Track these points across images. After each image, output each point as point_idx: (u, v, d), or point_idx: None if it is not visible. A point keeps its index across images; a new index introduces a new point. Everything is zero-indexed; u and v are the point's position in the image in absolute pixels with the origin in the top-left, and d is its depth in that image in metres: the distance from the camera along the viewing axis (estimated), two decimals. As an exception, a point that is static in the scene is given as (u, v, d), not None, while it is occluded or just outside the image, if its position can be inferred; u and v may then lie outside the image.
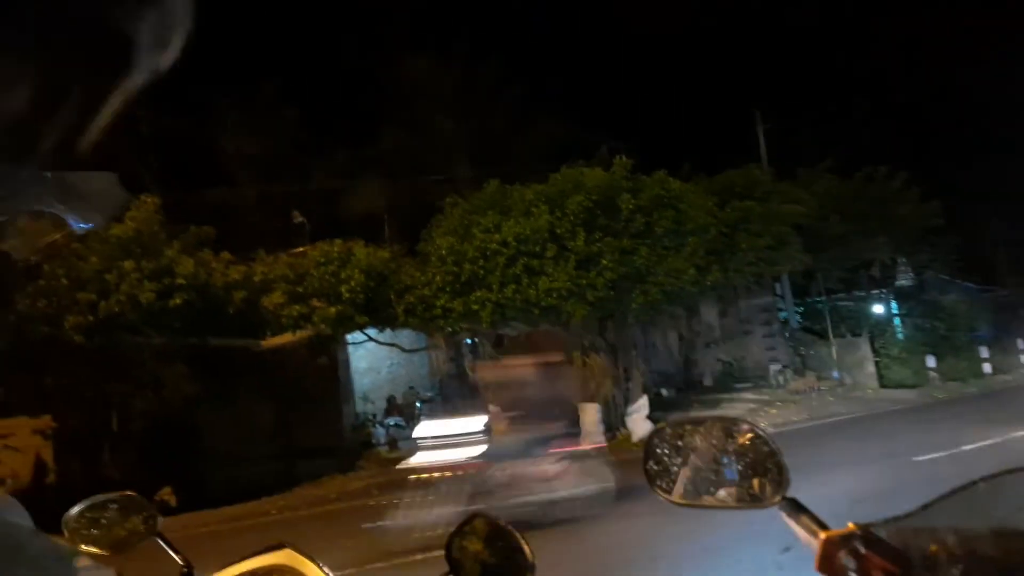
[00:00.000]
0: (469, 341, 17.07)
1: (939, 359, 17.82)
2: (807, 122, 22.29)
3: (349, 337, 14.98)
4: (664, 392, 17.48)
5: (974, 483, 0.99)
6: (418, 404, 16.82)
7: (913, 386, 16.90)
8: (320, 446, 12.75)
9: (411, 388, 17.77)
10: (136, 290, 10.93)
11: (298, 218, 17.63)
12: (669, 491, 1.07)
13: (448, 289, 13.05)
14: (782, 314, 20.74)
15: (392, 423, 15.84)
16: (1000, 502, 1.00)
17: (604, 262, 12.70)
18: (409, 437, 15.44)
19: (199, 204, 15.07)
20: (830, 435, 11.55)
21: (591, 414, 12.83)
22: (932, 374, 17.46)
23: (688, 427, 1.08)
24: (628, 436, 13.25)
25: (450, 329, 13.95)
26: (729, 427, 1.05)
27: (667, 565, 5.44)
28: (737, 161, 17.03)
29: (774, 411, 14.85)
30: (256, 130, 18.18)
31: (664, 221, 13.09)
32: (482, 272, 12.85)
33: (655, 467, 1.08)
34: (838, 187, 19.33)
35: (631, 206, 12.89)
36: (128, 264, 11.07)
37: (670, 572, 5.28)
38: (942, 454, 7.94)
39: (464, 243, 13.13)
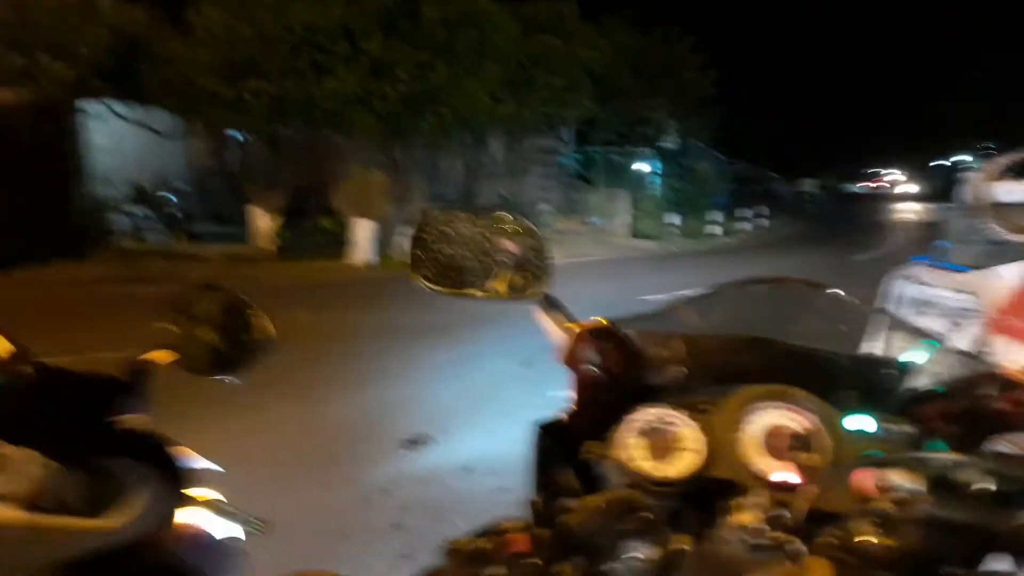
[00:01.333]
0: (238, 135, 15.47)
1: (682, 217, 20.17)
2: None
3: (89, 109, 12.70)
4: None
5: (714, 290, 1.05)
6: (172, 197, 15.17)
7: (657, 238, 19.09)
8: (44, 228, 10.98)
9: (165, 178, 15.88)
10: None
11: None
12: (432, 279, 1.01)
13: (216, 71, 11.41)
14: (561, 158, 21.69)
15: (141, 214, 14.18)
16: (734, 307, 1.08)
17: (399, 72, 11.92)
18: (156, 229, 14.06)
19: None
20: (581, 272, 12.71)
21: (364, 230, 12.63)
22: (674, 230, 19.78)
23: (459, 214, 1.01)
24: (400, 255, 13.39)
25: (215, 118, 12.41)
26: (500, 218, 1.00)
27: (420, 371, 5.70)
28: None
29: (539, 246, 15.88)
30: None
31: (467, 40, 12.48)
32: (259, 57, 11.37)
33: (420, 254, 1.01)
34: (634, 40, 19.89)
35: (435, 15, 12.02)
36: None
37: (423, 377, 5.54)
38: (665, 296, 9.18)
39: (240, 20, 11.38)
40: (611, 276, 12.40)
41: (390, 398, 5.04)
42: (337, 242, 13.24)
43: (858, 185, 66.45)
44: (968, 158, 47.55)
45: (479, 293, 0.99)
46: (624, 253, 16.43)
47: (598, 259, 15.11)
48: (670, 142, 23.21)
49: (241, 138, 15.67)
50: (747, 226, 22.45)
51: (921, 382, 0.94)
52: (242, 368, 1.03)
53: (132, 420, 0.90)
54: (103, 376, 0.91)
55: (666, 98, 20.77)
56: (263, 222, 13.93)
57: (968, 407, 0.83)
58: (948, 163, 54.23)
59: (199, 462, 0.93)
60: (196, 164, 16.82)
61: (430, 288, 1.00)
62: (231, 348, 1.02)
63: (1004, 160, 2.70)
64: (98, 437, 0.87)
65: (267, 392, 4.92)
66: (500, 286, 0.99)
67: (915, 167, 58.97)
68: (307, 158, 14.30)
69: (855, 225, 25.25)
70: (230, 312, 1.03)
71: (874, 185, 66.59)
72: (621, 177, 21.46)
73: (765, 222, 24.11)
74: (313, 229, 13.92)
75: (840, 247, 17.50)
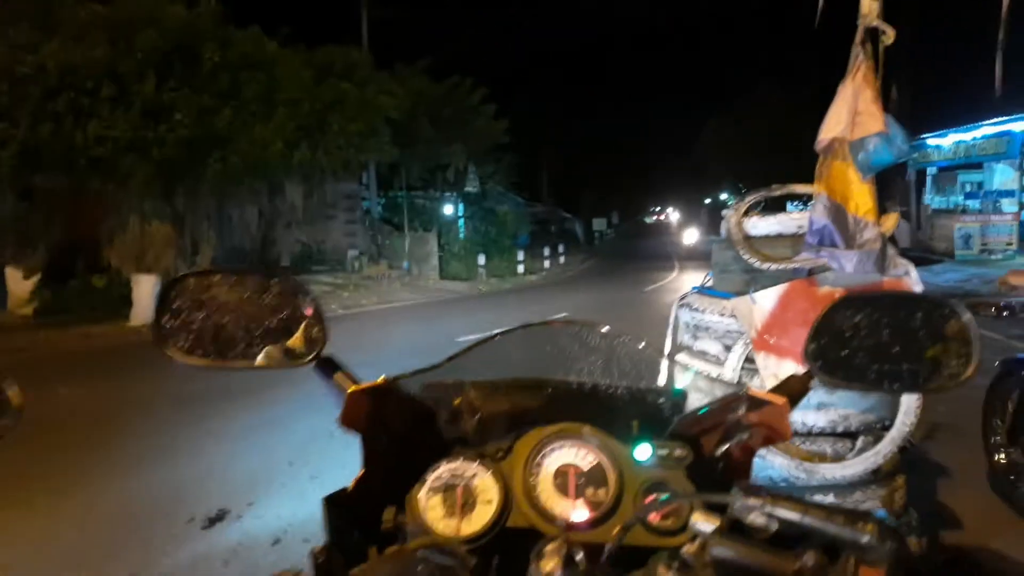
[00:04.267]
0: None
1: (488, 258, 20.81)
2: (411, 17, 22.80)
3: None
4: (236, 270, 16.54)
5: (493, 336, 1.07)
6: None
7: (466, 279, 19.49)
8: None
9: None
10: None
11: None
12: (187, 350, 0.90)
13: (-51, 113, 9.82)
14: (365, 203, 21.46)
15: None
16: (515, 352, 1.11)
17: (178, 116, 11.08)
18: None
19: None
20: (393, 317, 12.55)
21: (146, 287, 11.42)
22: (481, 270, 20.33)
23: (216, 278, 0.92)
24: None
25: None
26: (265, 280, 0.92)
27: (216, 442, 5.19)
28: (339, 38, 16.54)
29: (347, 294, 15.46)
30: None
31: (255, 84, 11.99)
32: (5, 99, 9.97)
33: (170, 322, 0.90)
34: (429, 88, 20.46)
35: (216, 59, 11.39)
36: None
37: (221, 448, 5.04)
38: (477, 335, 9.35)
39: (-22, 56, 9.94)
40: (424, 319, 12.38)
41: (183, 476, 4.51)
42: (112, 303, 11.82)
43: (648, 218, 77.18)
44: (726, 196, 54.88)
45: (240, 364, 0.91)
46: (435, 296, 16.53)
47: (410, 303, 15.04)
48: (471, 186, 24.00)
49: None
50: (547, 264, 23.72)
51: (689, 406, 1.02)
52: None
53: None
54: None
55: (463, 144, 21.52)
56: (18, 285, 12.06)
57: (724, 424, 0.90)
58: (709, 200, 62.15)
59: None
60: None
61: (184, 362, 0.90)
62: None
63: (750, 198, 3.11)
64: None
65: (28, 484, 4.18)
66: (271, 353, 0.91)
67: (690, 204, 66.71)
68: (71, 211, 12.66)
69: (642, 259, 27.78)
70: None
71: (659, 218, 77.93)
72: (427, 221, 21.71)
73: (562, 259, 25.67)
74: (82, 290, 12.30)
75: (631, 280, 19.11)
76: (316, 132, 13.95)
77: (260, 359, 0.91)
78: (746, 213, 2.99)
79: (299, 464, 4.63)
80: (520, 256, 21.85)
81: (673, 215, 75.30)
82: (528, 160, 28.11)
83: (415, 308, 14.31)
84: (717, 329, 2.92)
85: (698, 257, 25.11)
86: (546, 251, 23.98)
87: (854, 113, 2.61)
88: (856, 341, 0.86)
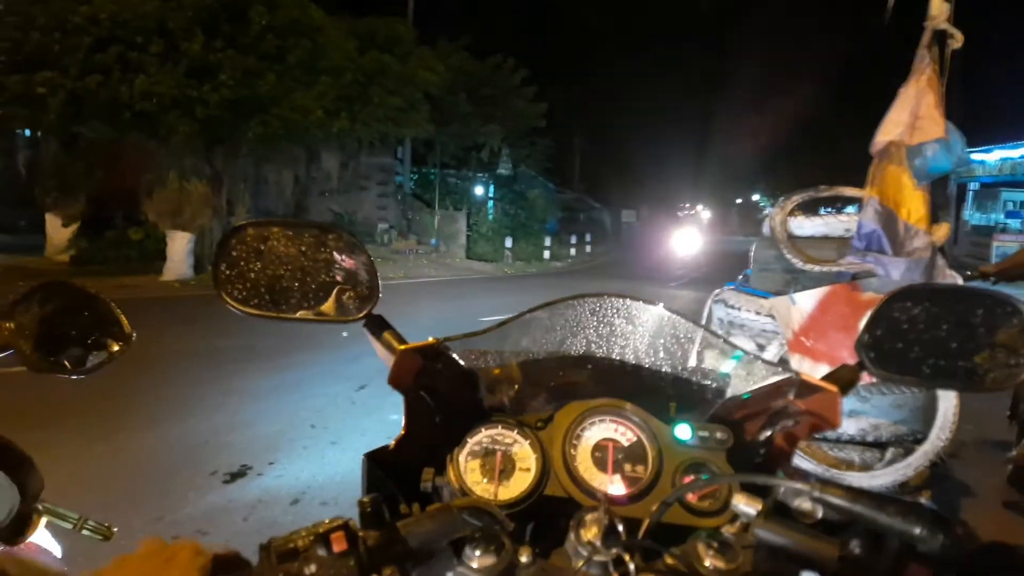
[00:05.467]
0: (28, 132, 13.61)
1: (515, 241, 20.80)
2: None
3: None
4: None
5: (544, 305, 1.07)
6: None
7: (491, 260, 19.51)
8: None
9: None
10: None
11: None
12: (242, 299, 0.89)
13: (4, 59, 9.98)
14: (398, 178, 21.53)
15: None
16: (562, 323, 1.11)
17: (223, 77, 11.16)
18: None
19: None
20: (420, 292, 12.62)
21: (180, 243, 11.60)
22: (507, 252, 20.33)
23: (275, 229, 0.91)
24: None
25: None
26: (323, 234, 0.92)
27: (243, 400, 5.29)
28: (385, 9, 16.50)
29: (373, 266, 15.57)
30: None
31: (299, 50, 12.02)
32: (56, 48, 10.11)
33: (227, 271, 0.90)
34: (470, 66, 20.36)
35: (264, 22, 11.44)
36: None
37: (245, 406, 5.13)
38: (501, 317, 9.37)
39: (36, 4, 10.07)
40: (449, 297, 12.43)
41: (207, 429, 4.60)
42: (147, 256, 12.04)
43: (679, 212, 77.14)
44: (758, 197, 54.09)
45: (297, 315, 0.91)
46: (460, 274, 16.58)
47: (436, 279, 15.11)
48: (504, 168, 23.93)
49: (29, 134, 13.83)
50: (573, 251, 23.64)
51: (731, 390, 1.01)
52: (89, 365, 0.96)
53: None
54: None
55: (499, 125, 21.43)
56: (56, 232, 12.33)
57: (770, 410, 0.89)
58: (740, 200, 61.27)
59: None
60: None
61: (239, 310, 0.89)
62: (76, 345, 0.95)
63: (796, 197, 3.05)
64: None
65: (64, 426, 4.30)
66: (324, 307, 0.91)
67: (721, 203, 66.06)
68: (112, 162, 12.88)
69: (668, 252, 27.53)
70: (78, 309, 0.96)
71: (689, 212, 78.12)
72: (457, 200, 21.72)
73: (588, 248, 25.55)
74: (119, 241, 12.54)
75: (657, 273, 18.95)
76: (356, 103, 13.97)
77: (313, 313, 0.91)
78: (792, 212, 2.94)
79: (320, 428, 4.69)
80: (547, 241, 21.80)
81: (704, 213, 74.78)
82: (561, 146, 27.89)
83: (440, 285, 14.37)
84: (752, 327, 2.89)
85: (726, 257, 24.82)
86: (573, 238, 23.88)
87: (915, 117, 2.55)
88: (913, 334, 0.84)
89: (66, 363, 0.94)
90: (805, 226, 2.89)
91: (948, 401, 2.59)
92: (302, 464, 4.06)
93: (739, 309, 2.95)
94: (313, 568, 0.55)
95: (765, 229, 3.09)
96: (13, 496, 0.84)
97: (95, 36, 10.30)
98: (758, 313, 2.85)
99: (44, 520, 0.90)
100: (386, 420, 4.76)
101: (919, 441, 2.71)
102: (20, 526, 0.85)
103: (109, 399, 4.86)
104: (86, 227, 12.48)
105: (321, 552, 0.56)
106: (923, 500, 2.62)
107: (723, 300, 3.08)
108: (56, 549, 0.92)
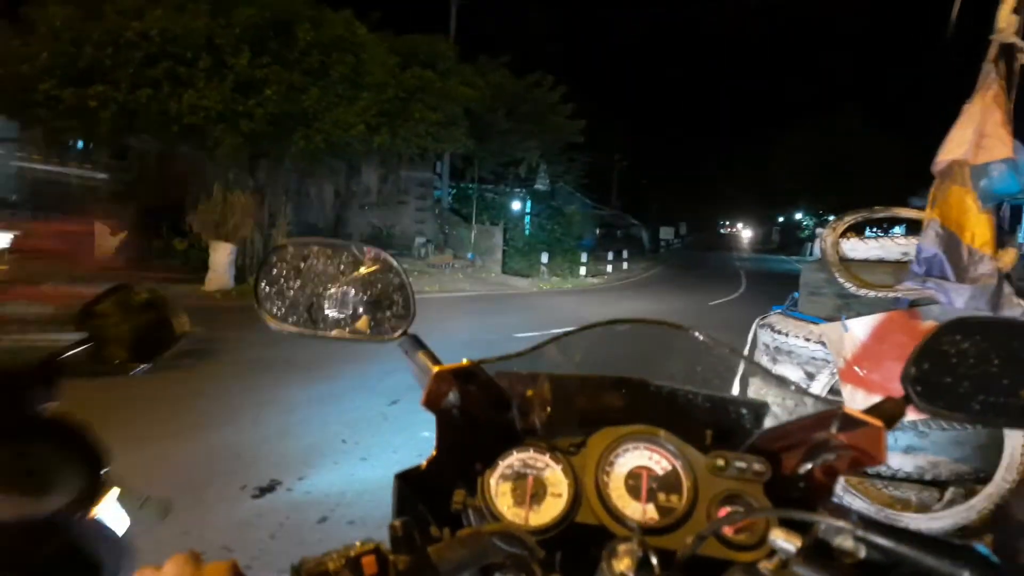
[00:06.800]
0: (81, 144, 14.08)
1: (551, 257, 20.71)
2: (499, 9, 22.90)
3: None
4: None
5: (580, 330, 1.03)
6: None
7: (527, 275, 19.45)
8: None
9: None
10: None
11: None
12: (281, 316, 0.93)
13: (59, 73, 10.35)
14: (436, 192, 21.70)
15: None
16: (598, 348, 1.07)
17: (268, 92, 11.40)
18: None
19: None
20: (456, 308, 12.61)
21: (223, 254, 11.81)
22: (543, 268, 20.25)
23: (314, 248, 0.95)
24: (261, 282, 12.61)
25: (54, 124, 11.21)
26: (359, 254, 0.95)
27: (276, 411, 5.28)
28: (425, 27, 16.72)
29: (410, 280, 15.65)
30: None
31: (342, 67, 12.22)
32: (109, 63, 10.44)
33: (267, 288, 0.94)
34: (510, 82, 20.49)
35: (309, 38, 11.66)
36: None
37: (279, 418, 5.13)
38: (536, 333, 9.32)
39: (89, 20, 10.43)
40: (484, 312, 12.39)
41: (240, 441, 4.60)
42: (191, 266, 12.29)
43: (720, 229, 77.52)
44: (800, 216, 53.03)
45: (332, 333, 0.93)
46: (495, 289, 16.54)
47: (471, 294, 15.09)
48: (541, 184, 23.93)
49: (81, 146, 14.29)
50: (610, 268, 23.44)
51: (771, 420, 0.98)
52: (154, 359, 1.05)
53: (50, 409, 0.95)
54: (19, 368, 0.94)
55: (537, 141, 21.47)
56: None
57: (810, 442, 0.86)
58: (782, 220, 60.15)
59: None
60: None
61: (278, 327, 0.92)
62: (143, 341, 1.04)
63: (849, 218, 2.90)
64: (18, 426, 0.92)
65: (101, 432, 4.34)
66: (359, 325, 0.93)
67: (759, 220, 65.09)
68: (160, 174, 13.23)
69: (708, 272, 27.11)
70: (143, 307, 1.06)
71: (729, 230, 78.01)
72: (494, 215, 21.77)
73: (625, 265, 25.31)
74: (164, 251, 12.84)
75: (695, 292, 18.65)
76: (397, 118, 14.12)
77: (348, 331, 0.93)
78: (845, 234, 2.79)
79: (351, 443, 4.65)
80: (583, 258, 21.67)
81: (744, 231, 73.88)
82: (600, 162, 27.83)
83: (475, 300, 14.35)
84: (801, 354, 2.74)
85: (765, 277, 24.32)
86: (609, 255, 23.69)
87: (980, 135, 2.40)
88: (962, 368, 0.80)
89: (134, 358, 1.04)
90: (859, 248, 2.74)
91: (1016, 439, 2.41)
92: (332, 480, 4.02)
93: (787, 335, 2.81)
94: None
95: (815, 251, 2.95)
96: (83, 470, 0.92)
97: (146, 51, 10.62)
98: (807, 340, 2.70)
99: (113, 493, 0.96)
100: (417, 437, 4.69)
101: (981, 481, 2.53)
102: (90, 497, 0.92)
103: (134, 408, 4.90)
104: (133, 236, 12.81)
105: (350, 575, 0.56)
106: (981, 544, 2.44)
107: (769, 325, 2.94)
108: (124, 520, 0.98)
